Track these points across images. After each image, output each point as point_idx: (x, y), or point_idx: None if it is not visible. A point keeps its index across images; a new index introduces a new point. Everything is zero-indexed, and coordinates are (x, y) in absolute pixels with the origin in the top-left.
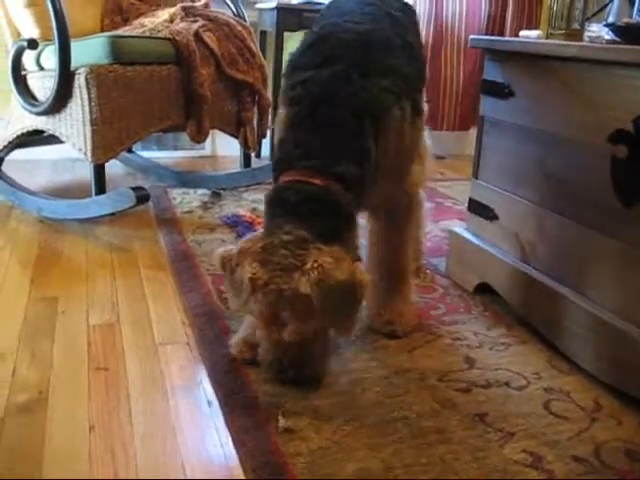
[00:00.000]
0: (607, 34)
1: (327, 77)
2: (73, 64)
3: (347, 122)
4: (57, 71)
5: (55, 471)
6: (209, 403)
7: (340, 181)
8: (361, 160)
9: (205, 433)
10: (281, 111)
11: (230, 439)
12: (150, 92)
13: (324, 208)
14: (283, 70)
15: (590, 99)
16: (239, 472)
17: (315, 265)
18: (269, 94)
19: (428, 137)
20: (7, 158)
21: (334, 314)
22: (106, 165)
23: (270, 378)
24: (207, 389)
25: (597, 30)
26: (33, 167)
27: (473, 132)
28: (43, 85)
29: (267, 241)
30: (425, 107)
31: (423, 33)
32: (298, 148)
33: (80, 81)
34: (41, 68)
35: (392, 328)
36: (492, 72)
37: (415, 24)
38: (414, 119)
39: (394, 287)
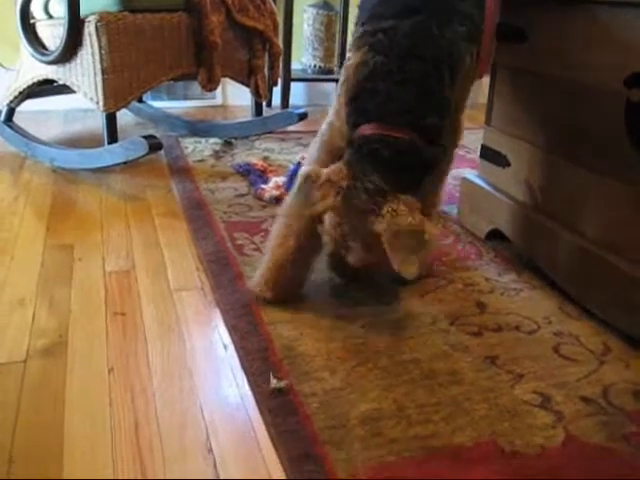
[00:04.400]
0: None
1: (410, 28)
2: (82, 12)
3: (431, 75)
4: (66, 19)
5: (78, 409)
6: (224, 346)
7: (426, 135)
8: (443, 113)
9: (221, 375)
10: (358, 55)
11: (246, 380)
12: (160, 40)
13: (413, 163)
14: (355, 18)
15: (606, 42)
16: (255, 412)
17: (390, 210)
18: (280, 42)
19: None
20: (18, 109)
21: (400, 255)
22: (117, 115)
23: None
24: (222, 333)
25: None
26: (44, 118)
27: (486, 81)
28: (52, 33)
29: (352, 183)
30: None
31: None
32: (390, 102)
33: (90, 29)
34: (50, 16)
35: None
36: (507, 16)
37: None
38: (475, 67)
39: None
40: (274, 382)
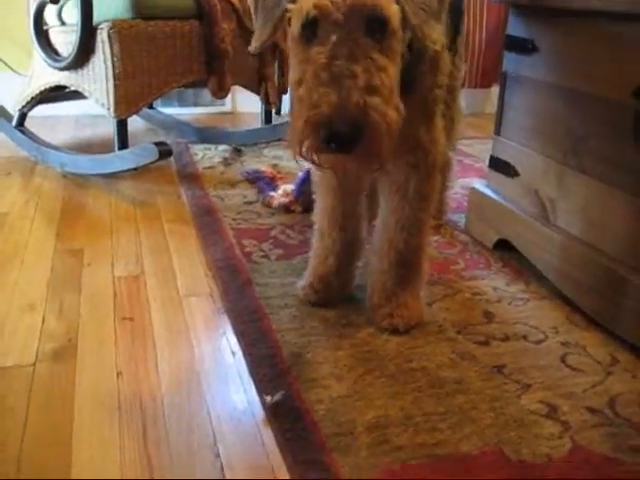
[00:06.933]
0: None
1: None
2: (95, 19)
3: None
4: (79, 26)
5: (86, 413)
6: (232, 353)
7: None
8: None
9: (229, 380)
10: None
11: (253, 387)
12: (172, 47)
13: None
14: None
15: (616, 54)
16: (262, 418)
17: None
18: None
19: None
20: (29, 114)
21: (418, 8)
22: (127, 121)
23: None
24: (230, 339)
25: None
26: (55, 123)
27: (495, 90)
28: (65, 40)
29: None
30: (463, 67)
31: None
32: None
33: (103, 36)
34: (63, 23)
35: (391, 322)
36: (516, 27)
37: None
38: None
39: (403, 276)
40: (268, 399)
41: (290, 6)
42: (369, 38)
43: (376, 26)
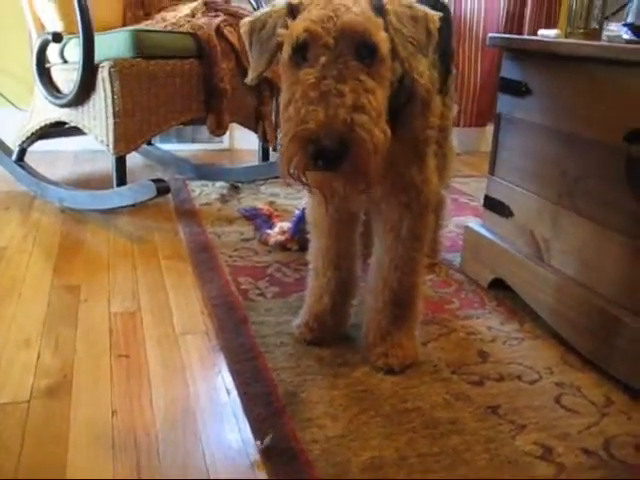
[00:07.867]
0: (626, 34)
1: None
2: (97, 57)
3: None
4: (81, 64)
5: (80, 450)
6: (228, 391)
7: None
8: None
9: (224, 419)
10: None
11: (248, 426)
12: (172, 86)
13: None
14: None
15: (607, 98)
16: (257, 457)
17: None
18: None
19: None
20: (29, 149)
21: (406, 41)
22: (126, 157)
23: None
24: (226, 378)
25: (616, 30)
26: (54, 158)
27: (489, 129)
28: (67, 78)
29: None
30: (455, 108)
31: None
32: None
33: (104, 74)
34: (65, 61)
35: (386, 361)
36: (510, 70)
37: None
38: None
39: (398, 315)
40: (258, 444)
41: (282, 31)
42: (358, 62)
43: (365, 51)
